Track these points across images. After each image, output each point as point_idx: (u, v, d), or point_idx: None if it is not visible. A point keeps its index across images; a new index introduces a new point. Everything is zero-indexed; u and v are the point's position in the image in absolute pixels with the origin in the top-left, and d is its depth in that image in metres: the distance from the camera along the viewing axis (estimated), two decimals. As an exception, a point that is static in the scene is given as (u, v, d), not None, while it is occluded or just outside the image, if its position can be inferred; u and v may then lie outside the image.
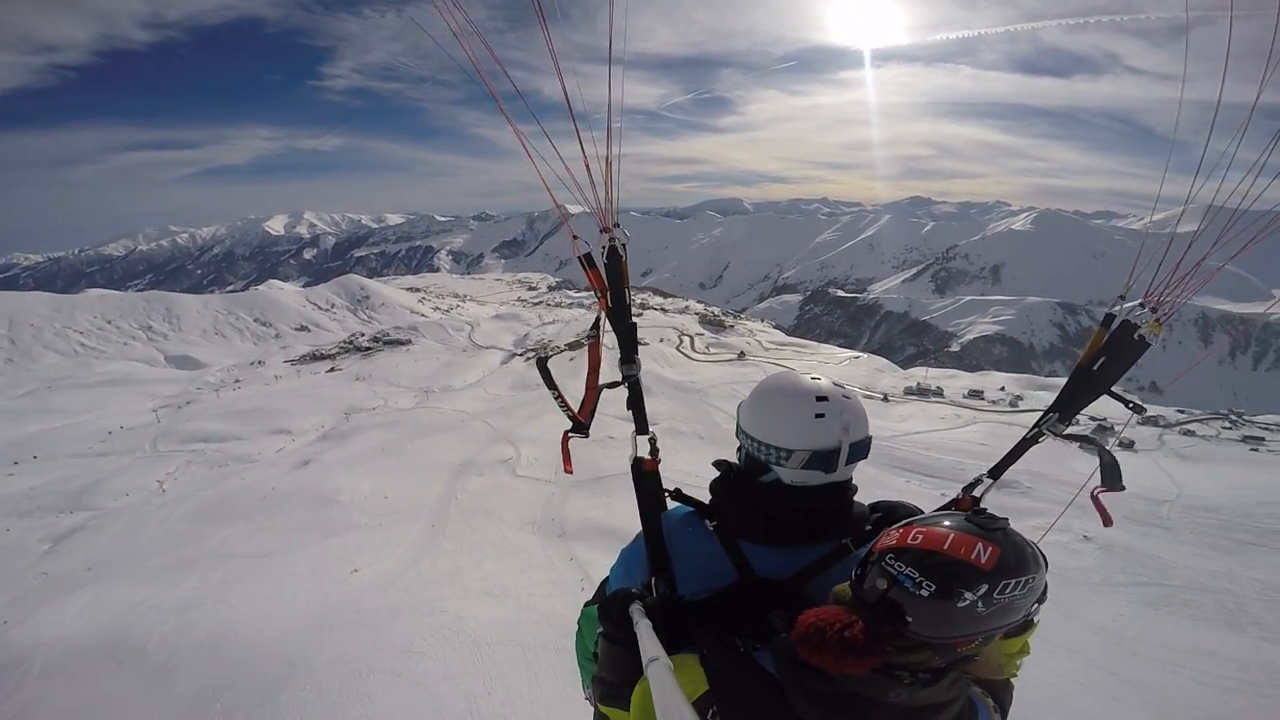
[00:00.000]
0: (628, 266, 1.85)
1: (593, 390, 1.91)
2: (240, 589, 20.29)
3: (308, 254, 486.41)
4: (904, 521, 1.28)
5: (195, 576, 21.76)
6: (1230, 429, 43.24)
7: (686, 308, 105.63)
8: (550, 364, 2.04)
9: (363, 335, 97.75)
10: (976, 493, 1.88)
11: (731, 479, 1.78)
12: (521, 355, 74.19)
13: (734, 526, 1.71)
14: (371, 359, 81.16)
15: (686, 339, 73.62)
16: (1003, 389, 53.87)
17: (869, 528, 1.69)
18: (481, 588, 19.22)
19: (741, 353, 66.19)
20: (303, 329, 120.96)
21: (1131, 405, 1.84)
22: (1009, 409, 47.49)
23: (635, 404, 1.93)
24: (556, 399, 1.88)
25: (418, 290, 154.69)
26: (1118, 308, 1.71)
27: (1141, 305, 1.68)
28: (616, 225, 1.82)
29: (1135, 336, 1.66)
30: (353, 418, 50.69)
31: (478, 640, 15.91)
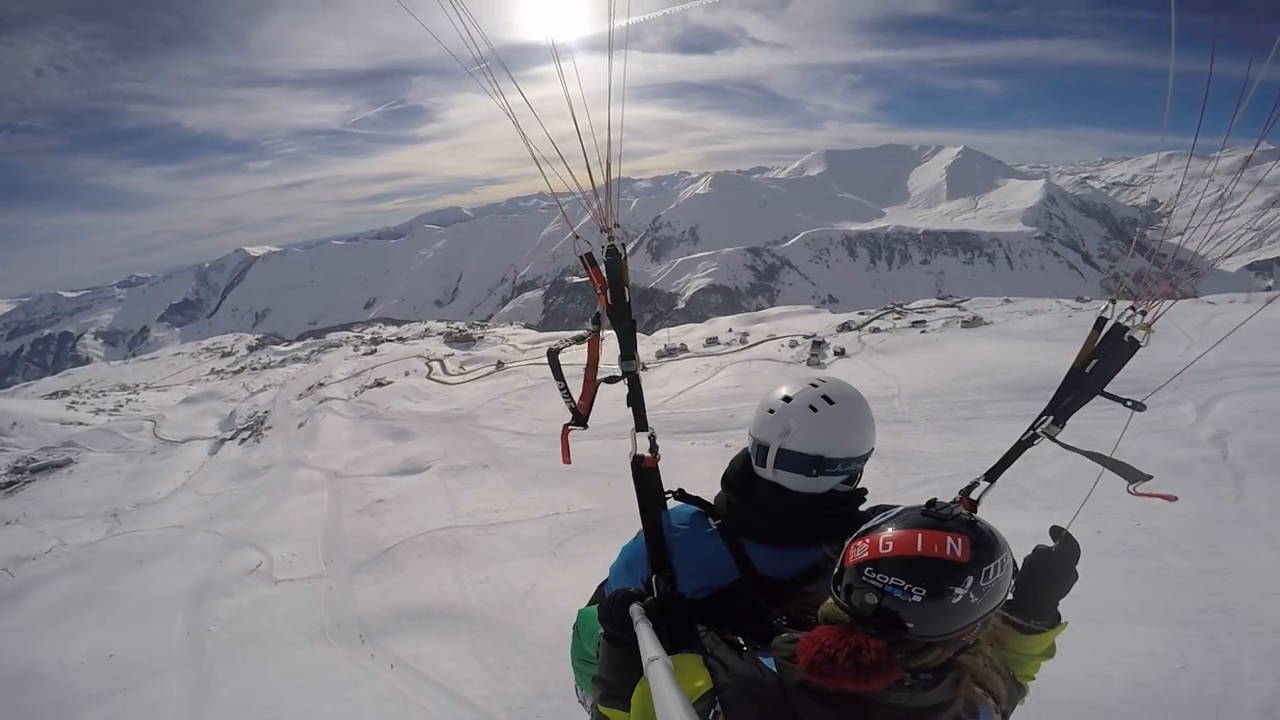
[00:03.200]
0: (627, 265, 1.87)
1: (591, 383, 1.91)
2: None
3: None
4: (863, 530, 1.26)
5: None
6: (900, 318, 54.32)
7: (427, 330, 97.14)
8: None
9: (-11, 474, 69.68)
10: (974, 495, 1.88)
11: (738, 469, 1.86)
12: (234, 438, 60.18)
13: (737, 524, 1.76)
14: (21, 495, 58.21)
15: (436, 364, 67.85)
16: (730, 330, 60.61)
17: None
18: (300, 735, 14.20)
19: (499, 362, 63.61)
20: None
21: (1130, 404, 1.72)
22: (742, 346, 53.98)
23: (635, 400, 1.93)
24: (561, 390, 1.87)
25: (65, 394, 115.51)
26: (1108, 311, 1.71)
27: (1131, 309, 1.68)
28: (616, 225, 1.86)
29: (1126, 339, 1.67)
30: (18, 571, 36.31)
31: (340, 805, 11.47)
